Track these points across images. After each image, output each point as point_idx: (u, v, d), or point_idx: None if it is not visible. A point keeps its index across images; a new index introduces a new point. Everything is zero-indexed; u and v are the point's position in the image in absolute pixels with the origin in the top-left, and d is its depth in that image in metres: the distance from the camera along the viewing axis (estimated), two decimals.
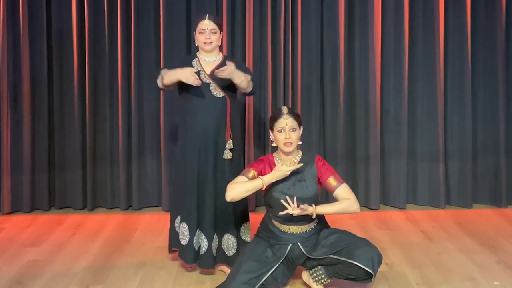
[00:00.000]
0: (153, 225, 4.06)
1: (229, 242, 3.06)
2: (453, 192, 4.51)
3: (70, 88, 4.35)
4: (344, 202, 2.68)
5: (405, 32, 4.34)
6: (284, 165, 2.66)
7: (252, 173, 2.74)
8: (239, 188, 2.65)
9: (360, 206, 4.39)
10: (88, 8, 4.27)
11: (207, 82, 2.99)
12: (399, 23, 4.35)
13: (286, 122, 2.72)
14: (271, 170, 2.71)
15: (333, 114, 4.41)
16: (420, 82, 4.46)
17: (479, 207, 4.49)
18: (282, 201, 2.58)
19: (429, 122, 4.45)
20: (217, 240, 3.06)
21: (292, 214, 2.60)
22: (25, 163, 4.34)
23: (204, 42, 3.00)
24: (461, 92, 4.41)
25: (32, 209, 4.41)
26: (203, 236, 3.02)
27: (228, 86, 3.01)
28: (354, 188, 4.51)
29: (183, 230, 3.03)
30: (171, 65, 3.03)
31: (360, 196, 4.49)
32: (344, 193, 2.72)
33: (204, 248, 3.01)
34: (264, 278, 2.61)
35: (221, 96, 3.00)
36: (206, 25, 2.99)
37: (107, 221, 4.16)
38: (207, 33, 2.99)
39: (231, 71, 2.85)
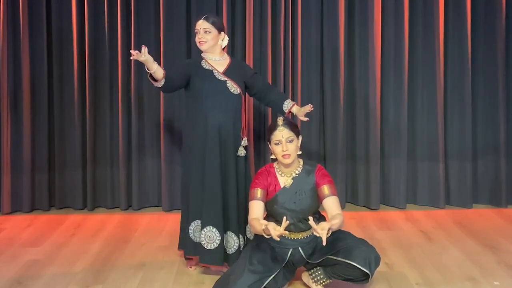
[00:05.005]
0: (153, 225, 4.06)
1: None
2: (453, 192, 4.51)
3: (70, 88, 4.35)
4: (339, 218, 2.56)
5: (405, 32, 4.34)
6: (275, 227, 2.46)
7: (259, 192, 2.72)
8: (253, 229, 2.64)
9: (360, 206, 4.50)
10: (88, 8, 4.27)
11: (222, 80, 3.01)
12: (399, 23, 4.35)
13: (282, 134, 2.69)
14: (273, 182, 2.74)
15: (333, 114, 4.41)
16: (420, 82, 4.45)
17: (479, 207, 4.49)
18: (315, 232, 2.40)
19: (429, 122, 4.45)
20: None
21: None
22: (25, 163, 4.34)
23: (199, 42, 3.04)
24: (461, 92, 4.40)
25: (32, 209, 4.41)
26: (233, 234, 3.03)
27: (242, 81, 3.06)
28: (354, 188, 4.53)
29: (209, 234, 2.97)
30: (172, 68, 3.05)
31: (360, 196, 4.50)
32: (333, 205, 2.66)
33: (235, 247, 3.03)
34: (267, 282, 2.61)
35: (238, 92, 3.03)
36: (199, 25, 3.03)
37: (107, 221, 4.16)
38: (201, 33, 3.02)
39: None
